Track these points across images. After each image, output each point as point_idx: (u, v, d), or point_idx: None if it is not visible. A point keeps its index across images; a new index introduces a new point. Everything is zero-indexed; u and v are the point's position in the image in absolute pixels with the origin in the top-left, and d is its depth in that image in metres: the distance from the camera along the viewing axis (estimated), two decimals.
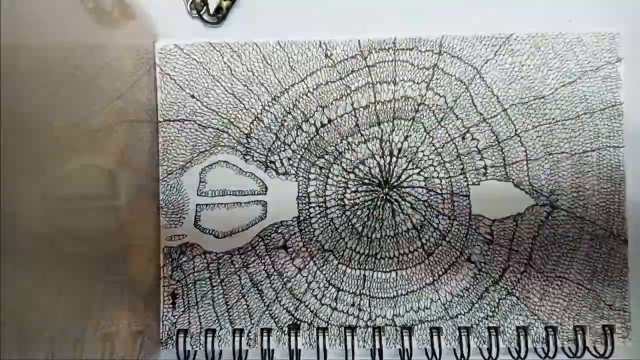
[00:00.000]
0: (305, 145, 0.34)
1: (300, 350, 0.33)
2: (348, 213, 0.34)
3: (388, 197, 0.33)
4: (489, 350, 0.33)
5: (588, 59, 0.33)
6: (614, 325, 0.33)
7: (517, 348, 0.33)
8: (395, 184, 0.33)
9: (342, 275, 0.33)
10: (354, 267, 0.33)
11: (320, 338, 0.33)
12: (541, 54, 0.33)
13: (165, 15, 0.34)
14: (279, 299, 0.33)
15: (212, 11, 0.32)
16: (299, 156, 0.34)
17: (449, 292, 0.33)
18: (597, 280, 0.33)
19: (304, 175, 0.34)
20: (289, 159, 0.34)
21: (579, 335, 0.33)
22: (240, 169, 0.34)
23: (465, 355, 0.33)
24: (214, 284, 0.33)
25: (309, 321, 0.33)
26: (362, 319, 0.33)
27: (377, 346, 0.33)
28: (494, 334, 0.33)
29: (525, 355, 0.33)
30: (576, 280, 0.33)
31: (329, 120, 0.34)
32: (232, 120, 0.34)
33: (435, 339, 0.33)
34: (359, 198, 0.34)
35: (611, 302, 0.33)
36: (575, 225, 0.33)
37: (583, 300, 0.33)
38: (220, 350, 0.33)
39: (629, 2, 0.33)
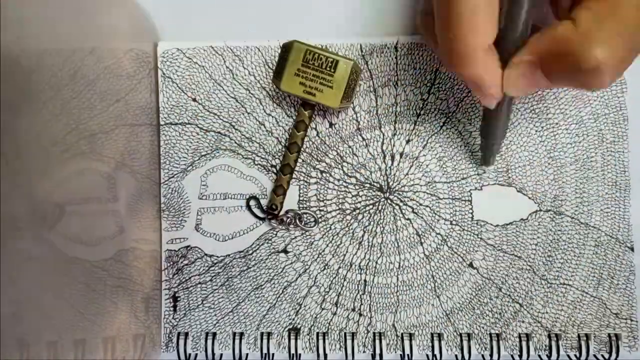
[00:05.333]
0: (307, 149, 0.34)
1: (300, 354, 0.33)
2: (349, 217, 0.33)
3: (389, 202, 0.33)
4: (491, 356, 0.32)
5: None
6: (620, 333, 0.32)
7: (519, 355, 0.32)
8: (397, 188, 0.33)
9: (342, 280, 0.33)
10: (354, 271, 0.33)
11: (321, 343, 0.33)
12: None
13: (167, 19, 0.34)
14: (280, 303, 0.33)
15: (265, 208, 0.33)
16: (300, 160, 0.34)
17: (450, 298, 0.33)
18: (603, 288, 0.33)
19: (305, 179, 0.34)
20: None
21: (582, 343, 0.32)
22: (241, 172, 0.34)
23: None
24: (215, 287, 0.33)
25: (309, 325, 0.33)
26: (363, 324, 0.33)
27: (378, 351, 0.33)
28: (496, 340, 0.32)
29: None
30: (581, 287, 0.33)
31: (331, 124, 0.33)
32: (233, 123, 0.34)
33: (436, 344, 0.33)
34: (360, 202, 0.33)
35: (617, 311, 0.32)
36: (580, 231, 0.33)
37: (588, 307, 0.33)
38: (221, 354, 0.33)
39: None
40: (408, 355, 0.32)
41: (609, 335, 0.32)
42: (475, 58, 0.24)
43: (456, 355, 0.33)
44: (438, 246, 0.33)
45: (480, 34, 0.23)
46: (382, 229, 0.33)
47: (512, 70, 0.25)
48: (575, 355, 0.32)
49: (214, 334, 0.33)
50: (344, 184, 0.33)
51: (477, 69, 0.24)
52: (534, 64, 0.24)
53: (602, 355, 0.32)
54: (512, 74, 0.25)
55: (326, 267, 0.33)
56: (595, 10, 0.22)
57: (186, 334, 0.33)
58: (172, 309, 0.34)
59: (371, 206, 0.33)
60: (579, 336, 0.32)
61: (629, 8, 0.22)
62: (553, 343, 0.32)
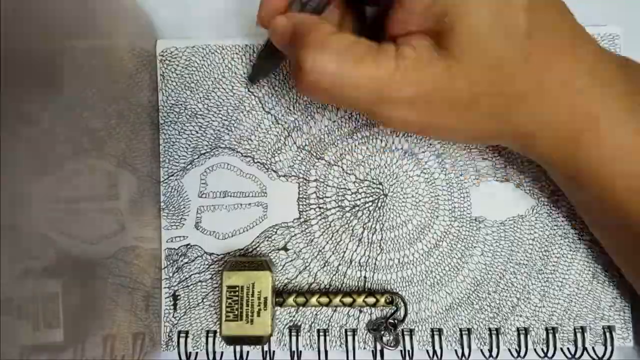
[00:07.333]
0: (306, 147, 0.34)
1: (300, 351, 0.33)
2: (348, 214, 0.34)
3: (388, 199, 0.34)
4: (490, 351, 0.33)
5: None
6: (614, 325, 0.33)
7: (518, 349, 0.33)
8: (396, 185, 0.34)
9: (342, 277, 0.33)
10: (354, 268, 0.33)
11: (321, 339, 0.33)
12: None
13: (166, 17, 0.34)
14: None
15: None
16: (299, 158, 0.34)
17: (450, 294, 0.33)
18: (597, 281, 0.33)
19: (304, 176, 0.34)
20: (290, 160, 0.34)
21: (578, 336, 0.33)
22: (241, 170, 0.34)
23: (467, 355, 0.33)
24: (215, 285, 0.33)
25: (310, 323, 0.33)
26: (363, 320, 0.33)
27: (379, 348, 0.33)
28: (495, 334, 0.33)
29: (525, 355, 0.33)
30: (576, 280, 0.33)
31: (330, 122, 0.34)
32: (232, 122, 0.34)
33: (436, 339, 0.33)
34: (359, 199, 0.34)
35: (611, 303, 0.33)
36: (576, 226, 0.33)
37: (583, 300, 0.33)
38: (222, 352, 0.33)
39: (629, 3, 0.34)
40: (409, 351, 0.33)
41: (603, 327, 0.33)
42: None
43: (456, 351, 0.33)
44: (437, 242, 0.33)
45: None
46: (381, 225, 0.34)
47: (283, 18, 0.25)
48: (568, 349, 0.33)
49: (215, 332, 0.33)
50: (344, 181, 0.34)
51: None
52: (293, 31, 0.25)
53: (594, 349, 0.33)
54: (281, 21, 0.25)
55: (326, 264, 0.34)
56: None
57: (186, 333, 0.33)
58: (172, 307, 0.33)
59: (370, 203, 0.34)
60: (574, 329, 0.33)
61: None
62: (550, 336, 0.33)
